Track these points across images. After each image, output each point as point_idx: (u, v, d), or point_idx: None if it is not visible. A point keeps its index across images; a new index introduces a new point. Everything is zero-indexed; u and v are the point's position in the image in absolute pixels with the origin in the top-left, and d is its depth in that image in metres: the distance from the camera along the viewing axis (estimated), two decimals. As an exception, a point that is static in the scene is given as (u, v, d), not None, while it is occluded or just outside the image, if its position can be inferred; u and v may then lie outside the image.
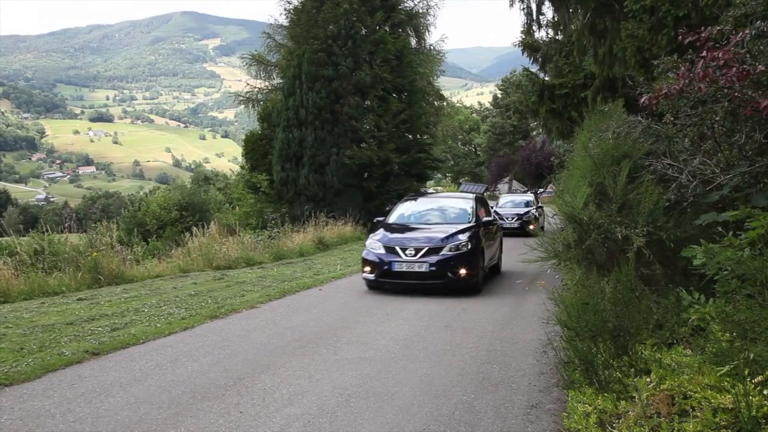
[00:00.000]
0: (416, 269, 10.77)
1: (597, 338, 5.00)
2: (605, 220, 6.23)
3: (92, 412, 4.98)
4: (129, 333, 7.76)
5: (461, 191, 67.30)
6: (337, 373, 6.11)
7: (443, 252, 10.84)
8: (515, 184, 70.85)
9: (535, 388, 5.63)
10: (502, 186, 72.32)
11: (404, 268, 10.82)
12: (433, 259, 10.75)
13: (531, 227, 21.75)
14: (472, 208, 12.63)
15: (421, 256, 10.80)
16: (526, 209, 26.08)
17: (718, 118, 5.96)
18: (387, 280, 11.03)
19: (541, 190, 61.59)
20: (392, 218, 12.80)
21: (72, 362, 6.48)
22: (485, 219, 12.58)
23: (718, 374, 3.87)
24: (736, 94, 5.35)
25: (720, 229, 4.96)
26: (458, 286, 10.85)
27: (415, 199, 14.15)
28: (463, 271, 10.74)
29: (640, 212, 6.04)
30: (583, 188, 6.74)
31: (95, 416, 4.90)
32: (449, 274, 10.71)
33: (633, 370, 4.71)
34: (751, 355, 3.72)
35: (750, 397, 3.46)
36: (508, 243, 15.56)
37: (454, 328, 8.18)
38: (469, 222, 12.09)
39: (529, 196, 28.36)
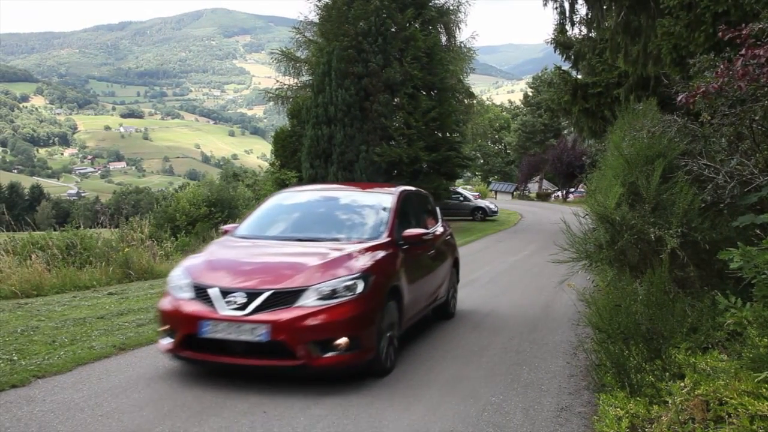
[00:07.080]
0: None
1: (629, 341, 4.91)
2: (638, 220, 6.11)
3: (118, 407, 5.01)
4: (154, 329, 7.80)
5: (492, 190, 66.78)
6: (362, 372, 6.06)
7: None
8: (546, 184, 70.21)
9: (565, 391, 5.55)
10: (532, 185, 71.61)
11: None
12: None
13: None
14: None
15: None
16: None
17: (757, 118, 5.83)
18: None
19: (573, 189, 60.95)
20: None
21: (101, 356, 6.54)
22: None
23: (756, 380, 3.77)
24: (778, 92, 5.24)
25: (758, 231, 4.84)
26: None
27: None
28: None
29: (674, 213, 5.92)
30: (615, 188, 6.62)
31: (121, 411, 4.92)
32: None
33: (666, 374, 4.61)
34: (791, 362, 3.62)
35: (790, 406, 3.36)
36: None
37: (482, 329, 8.11)
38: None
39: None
